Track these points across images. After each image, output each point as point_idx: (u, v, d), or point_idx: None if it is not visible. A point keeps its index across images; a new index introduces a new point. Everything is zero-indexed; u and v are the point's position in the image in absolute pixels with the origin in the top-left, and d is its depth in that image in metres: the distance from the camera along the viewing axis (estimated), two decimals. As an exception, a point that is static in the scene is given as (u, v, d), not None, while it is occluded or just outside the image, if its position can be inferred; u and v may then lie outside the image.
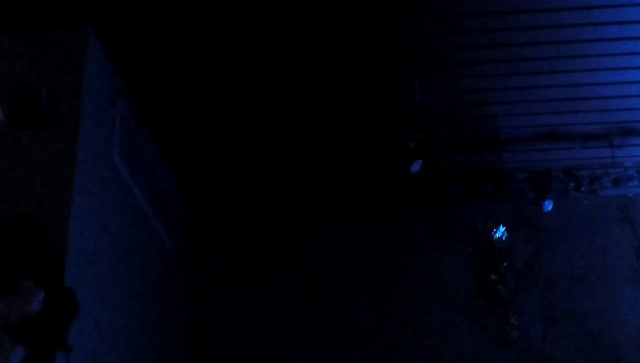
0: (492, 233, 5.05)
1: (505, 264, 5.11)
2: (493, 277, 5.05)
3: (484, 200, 5.17)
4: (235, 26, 3.96)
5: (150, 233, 4.80)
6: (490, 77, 4.42)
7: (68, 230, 3.55)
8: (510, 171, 4.91)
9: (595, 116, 4.75)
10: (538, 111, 4.70)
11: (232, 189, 5.48)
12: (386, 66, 4.27)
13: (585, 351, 5.21)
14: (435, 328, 5.36)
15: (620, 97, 4.58)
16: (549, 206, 4.87)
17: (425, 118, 4.52)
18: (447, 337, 5.33)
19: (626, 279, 5.35)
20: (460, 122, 4.83)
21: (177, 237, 5.27)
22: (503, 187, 4.90)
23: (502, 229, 5.08)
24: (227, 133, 4.85)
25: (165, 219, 5.02)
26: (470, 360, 5.25)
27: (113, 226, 4.19)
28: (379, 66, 4.27)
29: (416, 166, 4.59)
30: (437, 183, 4.82)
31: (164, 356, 4.96)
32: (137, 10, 3.83)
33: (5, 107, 3.68)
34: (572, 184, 4.89)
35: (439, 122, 4.73)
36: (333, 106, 4.60)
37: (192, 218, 5.62)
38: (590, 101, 4.61)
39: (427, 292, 5.45)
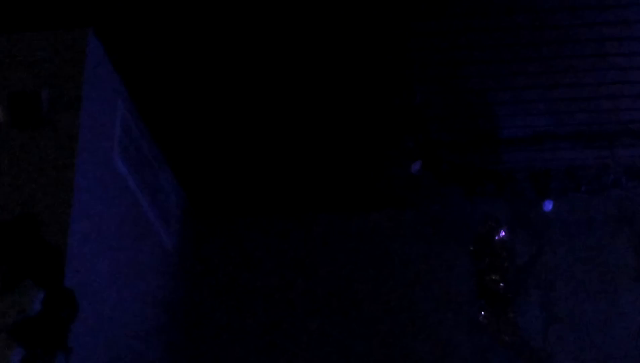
0: (494, 233, 5.05)
1: (505, 264, 5.11)
2: (493, 277, 5.05)
3: (484, 200, 5.16)
4: (235, 26, 3.96)
5: (150, 233, 4.80)
6: (490, 77, 4.43)
7: (68, 229, 3.55)
8: (510, 171, 4.91)
9: (595, 116, 4.75)
10: (538, 111, 4.70)
11: (232, 189, 5.48)
12: (386, 66, 4.27)
13: (585, 351, 5.20)
14: (435, 327, 5.36)
15: (620, 97, 4.58)
16: (549, 206, 4.87)
17: (425, 118, 4.52)
18: (447, 337, 5.32)
19: (626, 279, 5.34)
20: (460, 122, 4.83)
21: (177, 237, 5.27)
22: (503, 187, 4.90)
23: (503, 229, 5.07)
24: (227, 133, 4.85)
25: (166, 219, 5.02)
26: (470, 360, 5.25)
27: (113, 226, 4.19)
28: (379, 66, 4.27)
29: (416, 166, 4.60)
30: (437, 183, 4.82)
31: (164, 356, 4.96)
32: (137, 10, 3.83)
33: (5, 108, 3.69)
34: (572, 184, 4.89)
35: (439, 122, 4.73)
36: (333, 105, 4.60)
37: (192, 218, 5.62)
38: (590, 101, 4.61)
39: (427, 292, 5.44)
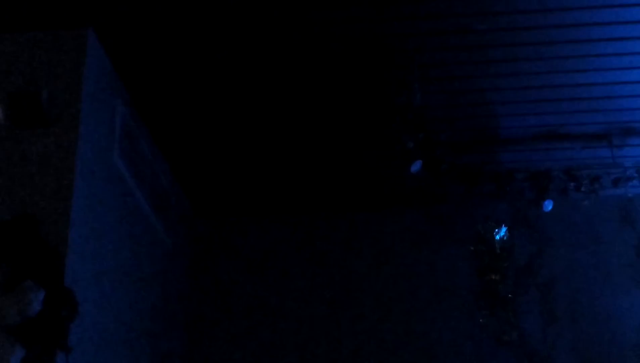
0: (494, 233, 5.04)
1: (505, 264, 5.10)
2: (493, 277, 5.05)
3: (484, 200, 5.17)
4: (235, 26, 3.96)
5: (150, 233, 4.80)
6: (490, 77, 4.42)
7: (68, 229, 3.55)
8: (510, 171, 4.91)
9: (595, 116, 4.75)
10: (538, 111, 4.70)
11: (232, 189, 5.48)
12: (386, 66, 4.27)
13: (584, 351, 5.20)
14: (435, 328, 5.36)
15: (620, 97, 4.58)
16: (549, 206, 4.87)
17: (425, 118, 4.52)
18: (447, 337, 5.33)
19: (626, 279, 5.34)
20: (460, 122, 4.83)
21: (177, 237, 5.27)
22: (503, 187, 4.90)
23: (503, 229, 5.07)
24: (227, 133, 4.85)
25: (165, 219, 5.02)
26: (470, 360, 5.25)
27: (113, 226, 4.19)
28: (379, 66, 4.27)
29: (416, 166, 4.59)
30: (437, 183, 4.82)
31: (164, 356, 4.96)
32: (137, 10, 3.83)
33: (5, 107, 3.68)
34: (572, 184, 4.89)
35: (439, 122, 4.73)
36: (333, 106, 4.60)
37: (192, 218, 5.62)
38: (590, 101, 4.61)
39: (427, 292, 5.45)
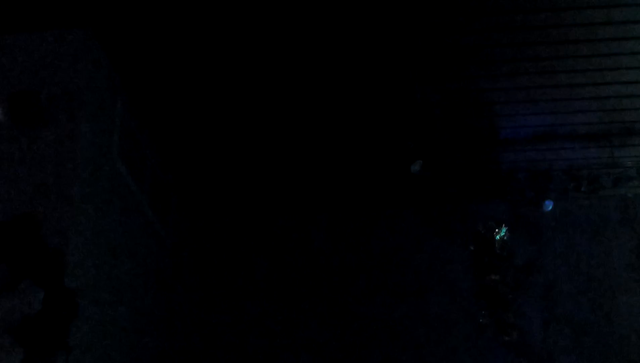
0: (494, 233, 5.05)
1: (505, 264, 5.11)
2: (493, 277, 5.05)
3: (484, 200, 5.17)
4: (234, 26, 3.96)
5: (149, 232, 4.80)
6: (491, 77, 4.43)
7: (68, 229, 3.55)
8: (510, 171, 4.92)
9: (595, 116, 4.75)
10: (538, 111, 4.70)
11: (231, 189, 5.48)
12: (387, 67, 4.27)
13: (584, 351, 5.20)
14: (435, 327, 5.36)
15: (620, 97, 4.58)
16: (549, 206, 4.87)
17: (425, 118, 4.52)
18: (447, 337, 5.32)
19: (626, 279, 5.34)
20: (460, 122, 4.83)
21: (176, 236, 5.27)
22: (503, 187, 4.90)
23: (503, 229, 5.08)
24: (226, 133, 4.85)
25: (165, 218, 5.02)
26: (470, 360, 5.25)
27: (113, 226, 4.19)
28: (379, 66, 4.27)
29: (416, 166, 4.59)
30: (437, 183, 4.82)
31: (164, 355, 4.96)
32: (137, 10, 3.83)
33: (5, 107, 3.69)
34: (572, 184, 4.89)
35: (439, 122, 4.73)
36: (333, 106, 4.60)
37: (192, 218, 5.61)
38: (590, 101, 4.61)
39: (427, 292, 5.45)
